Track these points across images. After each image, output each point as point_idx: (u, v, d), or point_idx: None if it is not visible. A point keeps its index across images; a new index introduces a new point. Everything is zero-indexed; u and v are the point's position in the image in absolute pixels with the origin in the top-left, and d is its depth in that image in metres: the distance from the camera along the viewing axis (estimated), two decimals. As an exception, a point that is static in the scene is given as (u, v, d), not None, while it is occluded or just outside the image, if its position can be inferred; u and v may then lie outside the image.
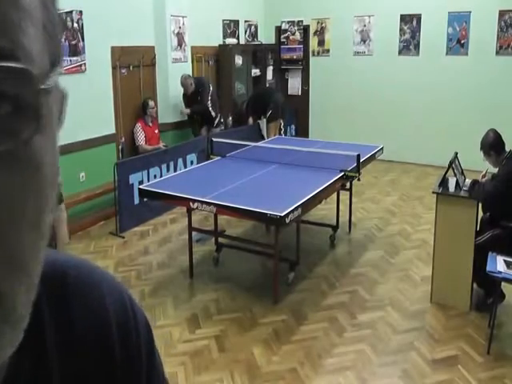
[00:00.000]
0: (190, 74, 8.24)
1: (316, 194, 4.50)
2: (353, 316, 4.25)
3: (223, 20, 9.55)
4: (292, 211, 4.01)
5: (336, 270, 5.11)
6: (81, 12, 6.79)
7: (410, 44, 9.28)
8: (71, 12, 6.70)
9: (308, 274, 4.99)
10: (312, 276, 4.97)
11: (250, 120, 8.60)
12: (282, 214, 3.91)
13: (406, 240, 5.82)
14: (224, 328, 4.07)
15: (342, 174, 5.00)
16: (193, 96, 7.89)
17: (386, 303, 4.45)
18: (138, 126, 7.39)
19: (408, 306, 4.41)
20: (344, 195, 5.96)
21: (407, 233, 6.03)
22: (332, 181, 4.83)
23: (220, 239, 5.37)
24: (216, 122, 8.06)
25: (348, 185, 5.77)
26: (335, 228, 5.82)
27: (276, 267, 4.46)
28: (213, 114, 7.97)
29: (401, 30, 9.33)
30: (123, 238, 6.12)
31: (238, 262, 5.21)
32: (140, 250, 5.75)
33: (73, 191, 6.48)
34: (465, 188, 4.34)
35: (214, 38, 9.21)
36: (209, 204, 4.28)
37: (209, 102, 7.92)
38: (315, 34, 10.29)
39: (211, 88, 8.08)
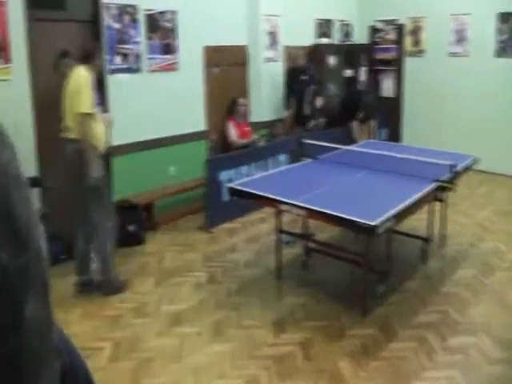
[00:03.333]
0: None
1: (410, 204, 4.36)
2: (443, 338, 4.08)
3: (316, 19, 9.50)
4: (385, 221, 3.93)
5: (427, 286, 4.97)
6: (175, 12, 6.95)
7: (508, 45, 8.73)
8: (166, 12, 6.87)
9: (398, 288, 4.88)
10: (402, 290, 4.86)
11: (342, 122, 8.52)
12: (374, 224, 3.82)
13: (500, 260, 5.55)
14: (310, 335, 4.05)
15: (437, 183, 4.84)
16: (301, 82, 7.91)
17: (478, 328, 4.23)
18: (230, 123, 7.49)
19: (502, 333, 4.17)
20: (435, 206, 5.77)
21: (501, 252, 5.75)
22: (427, 191, 4.69)
23: (309, 243, 5.36)
24: (311, 123, 8.05)
25: (441, 196, 5.55)
26: (427, 241, 5.62)
27: (365, 277, 4.39)
28: (307, 111, 7.98)
29: (498, 29, 8.81)
30: (211, 233, 6.24)
31: (327, 268, 5.19)
32: (228, 247, 5.85)
33: (162, 184, 6.66)
34: None
35: (307, 38, 9.18)
36: (299, 207, 4.28)
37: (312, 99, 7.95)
38: (410, 33, 10.04)
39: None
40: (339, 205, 4.26)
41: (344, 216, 3.98)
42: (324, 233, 5.84)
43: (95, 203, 4.77)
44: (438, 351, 3.92)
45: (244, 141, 7.45)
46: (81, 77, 4.61)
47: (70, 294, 5.00)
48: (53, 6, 6.08)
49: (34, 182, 5.65)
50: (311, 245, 5.33)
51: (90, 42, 5.15)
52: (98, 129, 4.66)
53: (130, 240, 6.04)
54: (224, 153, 7.12)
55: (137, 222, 6.11)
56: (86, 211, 4.83)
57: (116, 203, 6.21)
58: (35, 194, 5.77)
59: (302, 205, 4.26)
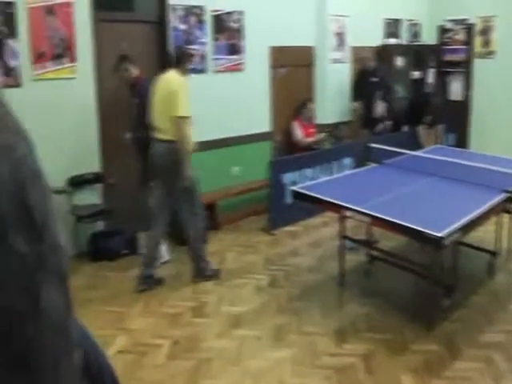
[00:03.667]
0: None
1: (479, 215, 4.19)
2: (512, 361, 3.89)
3: (385, 19, 9.33)
4: (451, 233, 3.78)
5: (494, 302, 4.77)
6: (242, 12, 6.95)
7: None
8: (232, 12, 6.88)
9: (463, 302, 4.70)
10: (468, 305, 4.68)
11: (408, 125, 8.34)
12: (441, 235, 3.68)
13: None
14: (372, 348, 3.96)
15: (506, 194, 4.65)
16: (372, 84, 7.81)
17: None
18: (296, 123, 7.46)
19: None
20: (503, 217, 5.53)
21: None
22: (495, 201, 4.50)
23: (373, 250, 5.26)
24: (379, 126, 7.93)
25: (510, 207, 5.21)
26: (494, 254, 5.39)
27: (430, 291, 4.26)
28: (376, 114, 7.85)
29: None
30: (274, 235, 6.23)
31: (391, 277, 5.07)
32: (290, 251, 5.82)
33: (225, 184, 6.68)
34: None
35: (375, 38, 9.03)
36: (363, 214, 4.20)
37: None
38: (480, 33, 9.69)
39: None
40: (404, 213, 4.15)
41: (409, 225, 3.87)
42: (388, 240, 5.66)
43: (187, 201, 4.97)
44: (506, 375, 3.73)
45: (309, 139, 7.39)
46: (175, 80, 4.78)
47: (131, 288, 5.08)
48: (121, 7, 6.19)
49: (97, 178, 5.77)
50: (375, 252, 5.23)
51: (179, 47, 5.31)
52: (190, 130, 4.81)
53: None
54: (289, 154, 7.08)
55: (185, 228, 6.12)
56: (176, 208, 5.05)
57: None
58: (98, 190, 5.89)
59: (366, 211, 4.19)
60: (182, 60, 4.95)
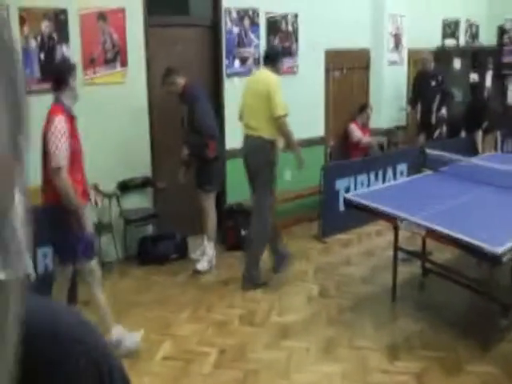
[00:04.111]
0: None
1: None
2: None
3: (443, 19, 9.08)
4: (511, 249, 3.56)
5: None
6: (296, 15, 6.85)
7: None
8: (287, 15, 6.78)
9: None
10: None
11: (465, 131, 8.06)
12: (499, 252, 3.47)
13: None
14: (425, 366, 3.77)
15: None
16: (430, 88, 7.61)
17: None
18: (353, 125, 7.32)
19: None
20: None
21: None
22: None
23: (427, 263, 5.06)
24: (437, 132, 7.69)
25: None
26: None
27: (486, 308, 4.07)
28: (433, 120, 7.63)
29: None
30: (325, 243, 6.12)
31: (445, 292, 4.83)
32: (342, 260, 5.70)
33: (279, 189, 6.57)
34: None
35: (432, 40, 8.79)
36: (417, 225, 4.02)
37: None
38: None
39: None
40: (460, 225, 3.94)
41: (465, 239, 3.67)
42: (443, 252, 5.39)
43: (265, 198, 5.06)
44: None
45: (369, 139, 7.23)
46: (270, 79, 4.89)
47: (179, 293, 5.07)
48: (175, 11, 6.19)
49: (147, 182, 5.78)
50: (428, 265, 5.03)
51: (272, 46, 5.37)
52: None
53: (242, 244, 6.01)
54: (343, 160, 6.94)
55: (249, 226, 6.06)
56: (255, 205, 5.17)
57: (229, 207, 6.24)
58: (148, 194, 5.90)
59: (420, 222, 4.01)
60: (275, 59, 5.07)
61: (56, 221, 3.66)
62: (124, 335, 4.02)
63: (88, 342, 0.60)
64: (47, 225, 3.64)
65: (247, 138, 5.07)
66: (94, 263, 3.94)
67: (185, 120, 5.49)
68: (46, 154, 3.63)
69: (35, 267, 4.61)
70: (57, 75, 3.79)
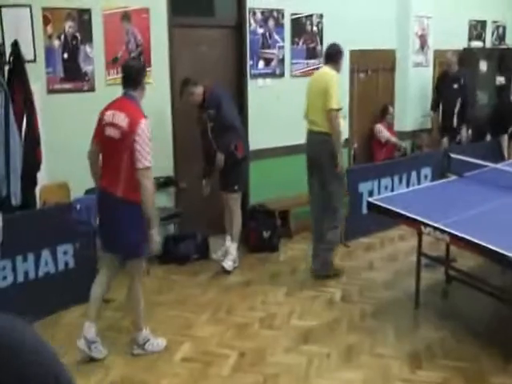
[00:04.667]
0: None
1: None
2: None
3: (469, 20, 8.96)
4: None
5: None
6: (321, 15, 6.80)
7: None
8: (311, 16, 6.74)
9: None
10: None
11: (491, 135, 7.94)
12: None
13: None
14: (448, 376, 3.69)
15: None
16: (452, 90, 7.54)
17: None
18: (381, 126, 7.27)
19: None
20: None
21: None
22: None
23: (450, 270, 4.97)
24: (460, 135, 7.59)
25: None
26: None
27: (511, 317, 4.00)
28: (455, 123, 7.53)
29: None
30: (348, 247, 6.08)
31: (469, 300, 4.75)
32: (364, 264, 5.67)
33: (299, 191, 6.55)
34: None
35: (459, 41, 8.67)
36: (441, 231, 3.95)
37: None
38: None
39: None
40: (485, 232, 3.86)
41: (490, 247, 3.59)
42: (467, 259, 5.26)
43: (337, 190, 5.20)
44: None
45: (396, 139, 7.16)
46: (328, 75, 5.11)
47: (199, 294, 5.08)
48: (200, 12, 6.19)
49: (169, 182, 5.79)
50: (452, 272, 4.94)
51: (332, 44, 5.41)
52: (341, 122, 5.19)
53: (264, 246, 6.04)
54: (366, 162, 6.88)
55: (272, 228, 6.08)
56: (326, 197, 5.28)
57: (252, 207, 6.22)
58: (170, 194, 5.90)
59: (444, 229, 3.94)
60: (336, 57, 5.24)
61: (134, 217, 3.75)
62: (150, 337, 4.05)
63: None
64: (124, 220, 3.76)
65: (311, 133, 5.25)
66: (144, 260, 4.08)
67: (208, 127, 5.47)
68: (119, 153, 3.71)
69: (56, 264, 4.66)
70: (134, 74, 3.88)
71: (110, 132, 3.75)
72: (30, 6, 4.99)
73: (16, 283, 4.43)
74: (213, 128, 5.44)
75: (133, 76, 3.86)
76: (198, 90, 5.36)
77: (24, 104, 4.65)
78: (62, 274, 4.71)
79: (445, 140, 7.55)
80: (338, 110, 5.05)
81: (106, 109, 3.86)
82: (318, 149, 5.14)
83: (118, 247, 3.89)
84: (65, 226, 4.67)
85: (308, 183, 5.41)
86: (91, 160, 3.94)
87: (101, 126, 3.83)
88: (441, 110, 7.70)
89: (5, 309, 3.84)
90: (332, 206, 5.21)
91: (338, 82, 5.11)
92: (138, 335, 4.02)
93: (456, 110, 7.54)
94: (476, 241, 3.71)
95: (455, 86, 7.55)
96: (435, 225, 4.03)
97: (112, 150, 3.77)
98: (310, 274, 5.38)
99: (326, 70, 5.21)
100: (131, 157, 3.66)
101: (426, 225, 4.10)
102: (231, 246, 5.61)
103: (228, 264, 5.53)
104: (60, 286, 4.66)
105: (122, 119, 3.71)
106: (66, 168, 5.10)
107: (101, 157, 3.92)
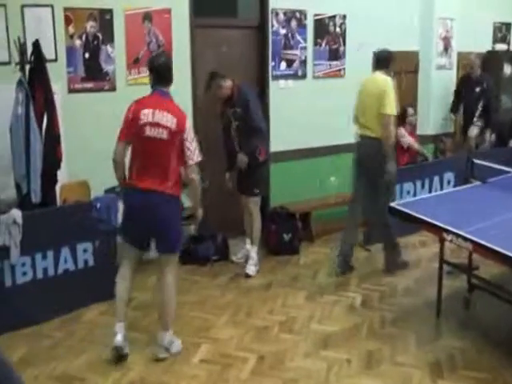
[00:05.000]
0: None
1: None
2: None
3: (494, 23, 8.85)
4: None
5: None
6: (344, 16, 6.76)
7: None
8: (335, 16, 6.70)
9: None
10: None
11: None
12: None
13: None
14: (469, 387, 3.63)
15: None
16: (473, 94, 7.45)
17: None
18: (402, 130, 7.19)
19: None
20: None
21: None
22: None
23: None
24: (483, 139, 7.49)
25: None
26: None
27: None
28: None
29: None
30: (369, 251, 6.03)
31: (492, 310, 4.65)
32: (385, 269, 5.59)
33: (320, 194, 6.53)
34: None
35: (483, 43, 8.56)
36: (464, 239, 3.86)
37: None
38: None
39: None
40: (509, 241, 3.75)
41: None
42: (491, 266, 5.07)
43: (386, 195, 5.24)
44: None
45: (418, 146, 7.10)
46: (383, 81, 5.17)
47: (219, 295, 5.08)
48: (225, 12, 6.18)
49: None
50: (475, 280, 4.83)
51: (382, 50, 5.50)
52: (394, 128, 5.27)
53: (284, 249, 6.01)
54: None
55: (293, 231, 6.05)
56: (372, 201, 5.40)
57: (273, 210, 6.19)
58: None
59: (468, 236, 3.85)
60: (387, 62, 5.32)
61: (179, 212, 3.90)
62: (174, 338, 4.05)
63: None
64: (174, 215, 3.86)
65: (363, 138, 5.32)
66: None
67: (233, 125, 5.42)
68: (166, 153, 3.72)
69: (75, 262, 4.68)
70: (167, 71, 3.86)
71: (154, 132, 3.68)
72: (51, 6, 5.01)
73: (35, 280, 4.47)
74: (238, 127, 5.37)
75: (166, 73, 3.83)
76: (227, 84, 5.27)
77: (44, 103, 4.67)
78: (82, 272, 4.74)
79: (467, 144, 7.42)
80: (394, 116, 5.14)
81: (139, 107, 3.75)
82: (370, 154, 5.22)
83: (165, 243, 3.90)
84: (85, 225, 4.70)
85: (353, 185, 5.51)
86: (118, 160, 3.80)
87: (136, 125, 3.71)
88: (461, 114, 7.61)
89: (24, 304, 3.89)
90: (379, 209, 5.26)
91: (392, 88, 5.16)
92: (165, 337, 3.96)
93: (477, 114, 7.44)
94: (499, 250, 3.61)
95: (477, 89, 7.45)
96: (458, 232, 3.95)
97: (157, 149, 3.71)
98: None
99: (380, 76, 5.24)
100: (180, 155, 3.73)
101: (449, 231, 4.03)
102: (252, 250, 5.58)
103: (251, 269, 5.52)
104: (79, 284, 4.68)
105: (168, 119, 3.69)
106: (87, 166, 5.12)
107: (131, 156, 3.83)
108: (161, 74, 3.83)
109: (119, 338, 3.86)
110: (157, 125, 3.68)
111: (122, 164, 3.85)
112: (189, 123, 3.80)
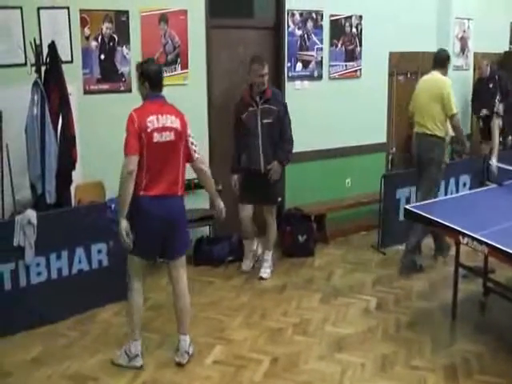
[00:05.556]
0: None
1: None
2: None
3: (511, 23, 8.77)
4: None
5: None
6: (361, 17, 6.72)
7: None
8: (351, 17, 6.66)
9: None
10: None
11: None
12: None
13: None
14: (485, 392, 3.58)
15: None
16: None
17: None
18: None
19: None
20: None
21: None
22: None
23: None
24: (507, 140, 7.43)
25: None
26: None
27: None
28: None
29: None
30: (384, 254, 6.00)
31: (507, 314, 4.61)
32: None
33: (335, 196, 6.50)
34: None
35: (500, 44, 8.48)
36: (480, 242, 3.82)
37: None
38: None
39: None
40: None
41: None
42: (507, 270, 4.92)
43: (429, 191, 5.41)
44: None
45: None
46: (442, 81, 5.38)
47: (233, 297, 5.07)
48: (239, 14, 6.18)
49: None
50: (490, 284, 4.77)
51: (440, 50, 5.65)
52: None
53: (299, 250, 5.99)
54: (405, 167, 6.74)
55: (307, 232, 6.02)
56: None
57: (288, 211, 6.17)
58: (206, 195, 5.87)
59: (483, 239, 3.81)
60: (445, 62, 5.49)
61: (185, 212, 3.97)
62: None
63: None
64: (185, 215, 3.95)
65: (421, 135, 5.48)
66: None
67: (261, 123, 5.22)
68: (175, 154, 3.76)
69: (90, 262, 4.71)
70: (162, 77, 3.87)
71: (162, 137, 3.67)
72: (67, 8, 5.04)
73: (50, 280, 4.49)
74: (269, 125, 5.19)
75: (161, 79, 3.84)
76: (268, 74, 5.19)
77: (60, 104, 4.69)
78: (96, 273, 4.76)
79: (485, 146, 7.35)
80: (457, 113, 5.38)
81: (144, 116, 3.66)
82: (427, 151, 5.39)
83: (181, 243, 3.92)
84: (99, 225, 4.71)
85: (418, 182, 5.63)
86: (131, 177, 3.62)
87: (144, 134, 3.62)
88: (483, 114, 7.56)
89: (39, 304, 3.89)
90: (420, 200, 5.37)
91: (451, 87, 5.35)
92: (186, 340, 3.93)
93: (495, 110, 7.36)
94: (512, 252, 3.55)
95: (491, 85, 7.48)
96: (473, 235, 3.91)
97: (167, 153, 3.71)
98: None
99: (439, 76, 5.40)
100: (185, 153, 3.83)
101: (464, 234, 3.99)
102: (267, 254, 5.56)
103: (266, 272, 5.50)
104: (94, 284, 4.70)
105: (173, 121, 3.73)
106: (101, 167, 5.14)
107: (139, 166, 3.66)
108: (157, 81, 3.82)
109: (140, 360, 3.87)
110: (163, 129, 3.68)
111: (133, 180, 3.66)
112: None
